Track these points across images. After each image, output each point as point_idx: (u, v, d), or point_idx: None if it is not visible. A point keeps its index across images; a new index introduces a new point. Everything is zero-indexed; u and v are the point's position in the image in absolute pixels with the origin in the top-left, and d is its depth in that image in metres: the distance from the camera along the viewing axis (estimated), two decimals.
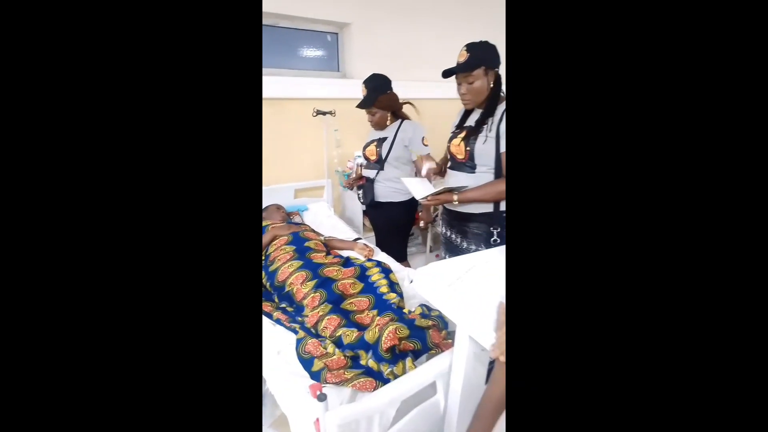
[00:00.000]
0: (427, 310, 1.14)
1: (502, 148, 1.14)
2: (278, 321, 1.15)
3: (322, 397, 0.69)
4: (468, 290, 0.68)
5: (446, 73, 1.19)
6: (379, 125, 1.72)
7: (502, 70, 1.14)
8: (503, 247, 0.84)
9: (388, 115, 1.69)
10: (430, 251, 2.50)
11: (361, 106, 1.68)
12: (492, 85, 1.17)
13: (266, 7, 1.86)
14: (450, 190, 1.21)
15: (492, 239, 1.22)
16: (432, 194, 1.22)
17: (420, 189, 1.29)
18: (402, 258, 1.81)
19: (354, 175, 1.84)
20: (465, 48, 1.16)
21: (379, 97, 1.64)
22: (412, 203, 1.73)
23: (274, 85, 1.94)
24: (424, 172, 1.41)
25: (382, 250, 1.66)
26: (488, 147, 1.16)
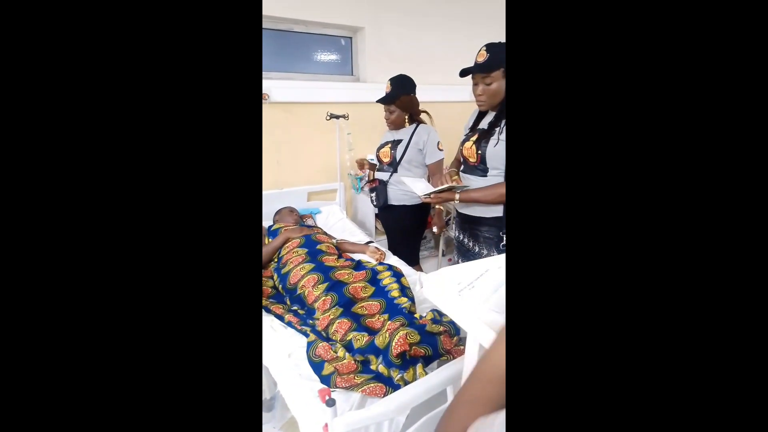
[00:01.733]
0: (438, 316, 1.12)
1: None
2: (289, 323, 1.15)
3: (330, 403, 0.68)
4: (478, 297, 0.67)
5: (464, 72, 1.18)
6: (395, 125, 1.72)
7: None
8: None
9: (405, 116, 1.69)
10: (443, 255, 2.48)
11: (382, 101, 1.69)
12: None
13: (280, 12, 1.88)
14: (452, 189, 1.20)
15: (501, 244, 1.20)
16: (434, 192, 1.21)
17: (422, 186, 1.28)
18: (414, 262, 1.79)
19: (368, 170, 1.84)
20: (485, 48, 1.14)
21: (402, 96, 1.65)
22: (425, 206, 1.72)
23: (288, 89, 1.97)
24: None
25: (394, 253, 1.65)
26: (499, 150, 1.14)
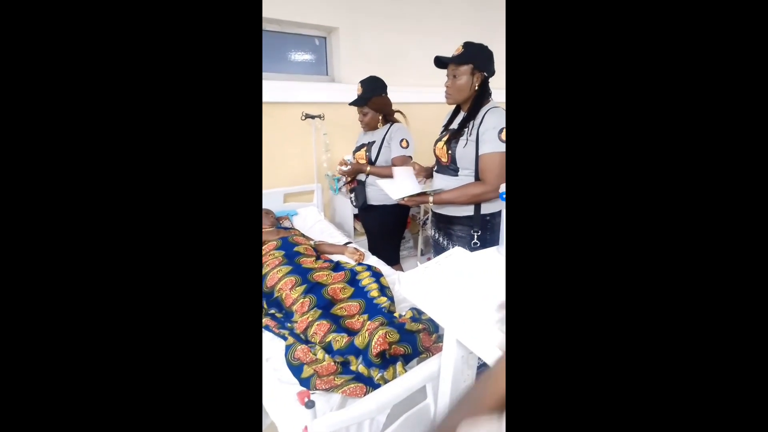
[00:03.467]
0: (417, 314, 1.13)
1: (481, 151, 1.15)
2: (267, 327, 1.14)
3: (310, 404, 0.68)
4: (442, 273, 0.70)
5: (437, 61, 1.21)
6: (369, 126, 1.72)
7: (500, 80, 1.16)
8: (486, 249, 0.85)
9: (379, 117, 1.70)
10: (422, 254, 2.50)
11: (354, 103, 1.69)
12: (476, 88, 1.18)
13: None
14: (425, 192, 1.23)
15: (473, 242, 1.22)
16: (408, 195, 1.23)
17: (396, 190, 1.30)
18: (394, 261, 1.80)
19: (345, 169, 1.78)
20: (462, 44, 1.18)
21: (373, 97, 1.65)
22: (404, 206, 1.73)
23: (263, 89, 1.93)
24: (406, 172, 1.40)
25: (374, 253, 1.65)
26: (468, 150, 1.17)
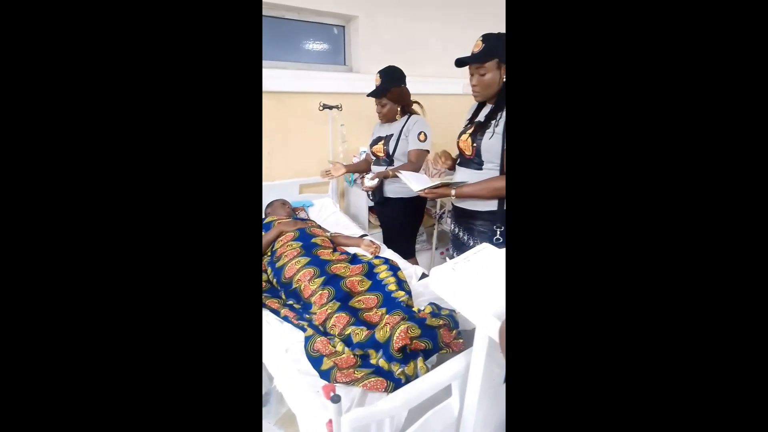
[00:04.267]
0: (437, 309, 1.12)
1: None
2: (286, 318, 1.13)
3: (335, 399, 0.67)
4: (471, 269, 0.68)
5: (459, 62, 1.17)
6: (387, 118, 1.69)
7: None
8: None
9: (398, 109, 1.67)
10: (436, 249, 2.48)
11: (373, 95, 1.65)
12: (504, 79, 1.15)
13: None
14: (448, 185, 1.20)
15: (495, 238, 1.20)
16: (429, 187, 1.20)
17: (417, 182, 1.27)
18: (410, 255, 1.79)
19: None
20: (480, 38, 1.14)
21: (392, 88, 1.62)
22: (422, 199, 1.71)
23: (279, 78, 1.91)
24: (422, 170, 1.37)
25: (390, 246, 1.64)
26: (494, 143, 1.14)
